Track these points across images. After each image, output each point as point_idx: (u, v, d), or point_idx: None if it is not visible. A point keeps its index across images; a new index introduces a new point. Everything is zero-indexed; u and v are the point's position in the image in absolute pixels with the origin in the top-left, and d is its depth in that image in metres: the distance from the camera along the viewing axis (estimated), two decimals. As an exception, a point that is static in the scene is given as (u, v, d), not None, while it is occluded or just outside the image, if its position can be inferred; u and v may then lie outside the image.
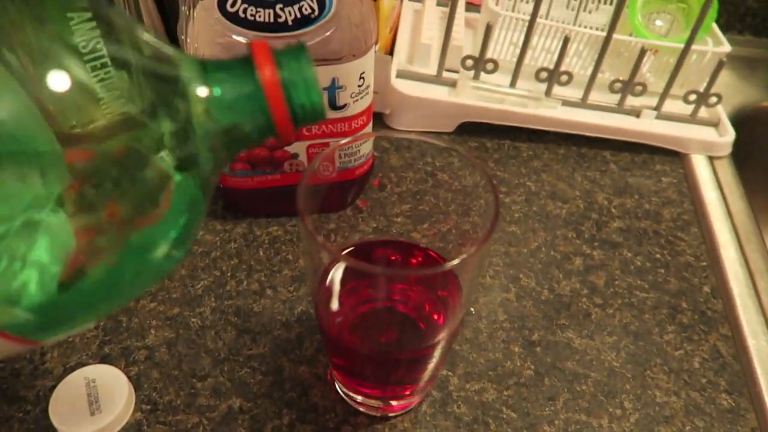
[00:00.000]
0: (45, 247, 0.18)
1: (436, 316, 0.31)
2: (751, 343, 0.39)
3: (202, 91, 0.20)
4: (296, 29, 0.33)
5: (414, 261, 0.32)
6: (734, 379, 0.37)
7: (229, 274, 0.40)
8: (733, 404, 0.36)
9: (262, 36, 0.33)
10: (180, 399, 0.34)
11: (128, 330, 0.37)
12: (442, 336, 0.28)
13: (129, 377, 0.34)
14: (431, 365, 0.30)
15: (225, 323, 0.38)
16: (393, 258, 0.31)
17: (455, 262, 0.23)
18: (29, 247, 0.17)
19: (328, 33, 0.34)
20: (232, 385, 0.35)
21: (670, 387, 0.37)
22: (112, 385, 0.33)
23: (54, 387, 0.33)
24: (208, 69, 0.21)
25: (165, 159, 0.19)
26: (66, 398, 0.32)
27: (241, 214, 0.44)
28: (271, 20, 0.33)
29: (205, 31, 0.34)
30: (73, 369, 0.34)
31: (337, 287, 0.29)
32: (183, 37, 0.34)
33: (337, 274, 0.28)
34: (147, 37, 0.20)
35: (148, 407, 0.34)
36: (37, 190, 0.17)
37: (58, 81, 0.17)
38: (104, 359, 0.36)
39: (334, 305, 0.30)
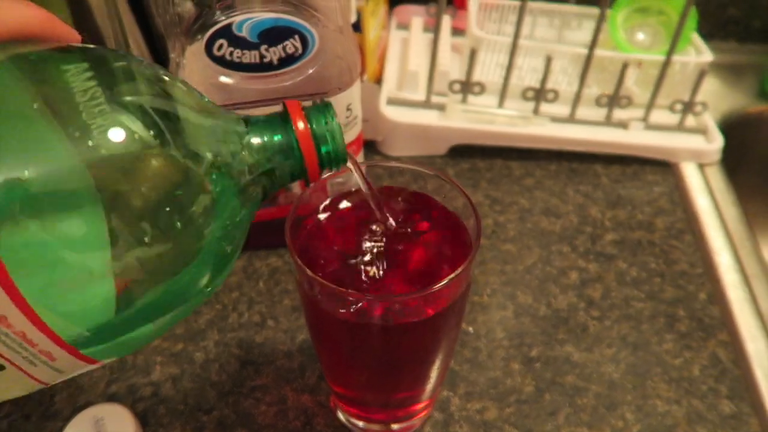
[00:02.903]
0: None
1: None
2: (750, 347, 0.39)
3: (249, 140, 0.23)
4: (282, 68, 0.35)
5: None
6: (735, 384, 0.37)
7: (230, 307, 0.41)
8: (735, 410, 0.36)
9: (249, 75, 0.35)
10: (186, 433, 0.35)
11: (134, 367, 0.38)
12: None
13: (136, 414, 0.35)
14: (433, 369, 0.30)
15: (228, 356, 0.38)
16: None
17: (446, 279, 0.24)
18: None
19: (312, 69, 0.35)
20: (237, 417, 0.36)
21: (671, 396, 0.37)
22: (120, 422, 0.34)
23: (63, 428, 0.34)
24: (250, 122, 0.24)
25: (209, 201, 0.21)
26: (75, 438, 0.33)
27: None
28: (257, 61, 0.34)
29: (197, 74, 0.35)
30: (81, 409, 0.35)
31: (329, 310, 0.29)
32: (174, 81, 0.36)
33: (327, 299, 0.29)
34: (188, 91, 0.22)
35: (156, 443, 0.34)
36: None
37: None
38: (111, 398, 0.36)
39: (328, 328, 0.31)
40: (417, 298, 0.26)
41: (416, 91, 0.54)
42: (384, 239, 0.28)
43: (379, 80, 0.55)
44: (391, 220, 0.29)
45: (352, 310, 0.26)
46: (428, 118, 0.52)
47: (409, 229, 0.29)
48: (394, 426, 0.34)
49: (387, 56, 0.57)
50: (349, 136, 0.40)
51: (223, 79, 0.35)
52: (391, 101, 0.53)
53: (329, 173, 0.27)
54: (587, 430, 0.35)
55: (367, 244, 0.28)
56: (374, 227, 0.29)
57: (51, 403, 0.36)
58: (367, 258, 0.28)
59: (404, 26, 0.62)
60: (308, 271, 0.25)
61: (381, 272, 0.27)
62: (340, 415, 0.35)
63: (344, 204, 0.31)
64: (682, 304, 0.42)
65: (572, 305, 0.42)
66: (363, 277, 0.27)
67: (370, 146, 0.54)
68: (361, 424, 0.34)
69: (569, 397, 0.37)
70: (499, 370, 0.38)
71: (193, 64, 0.34)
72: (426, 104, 0.53)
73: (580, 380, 0.38)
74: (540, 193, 0.50)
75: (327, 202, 0.31)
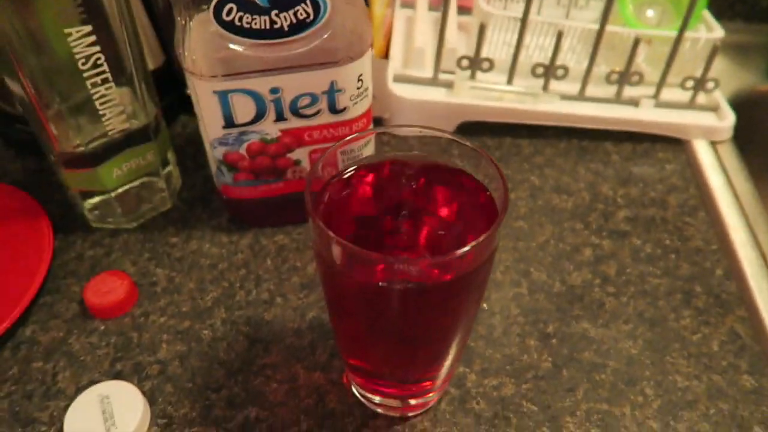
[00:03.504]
0: None
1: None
2: (769, 322, 0.38)
3: None
4: (292, 34, 0.34)
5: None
6: (755, 360, 0.37)
7: (237, 284, 0.40)
8: (756, 385, 0.35)
9: (258, 43, 0.34)
10: (196, 411, 0.34)
11: (139, 345, 0.37)
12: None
13: (143, 392, 0.34)
14: (452, 344, 0.29)
15: (236, 334, 0.37)
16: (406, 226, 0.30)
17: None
18: None
19: (324, 36, 0.34)
20: (247, 395, 0.34)
21: (690, 371, 0.36)
22: (127, 401, 0.33)
23: (67, 406, 0.33)
24: None
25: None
26: (81, 417, 0.32)
27: (246, 226, 0.44)
28: (267, 27, 0.33)
29: (202, 46, 0.34)
30: (85, 387, 0.34)
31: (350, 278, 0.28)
32: (180, 50, 0.34)
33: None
34: None
35: (164, 421, 0.33)
36: None
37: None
38: (117, 376, 0.35)
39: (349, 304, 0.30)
40: (441, 262, 0.25)
41: (423, 69, 0.53)
42: (406, 206, 0.27)
43: (385, 57, 0.53)
44: (413, 186, 0.28)
45: (376, 275, 0.25)
46: (436, 95, 0.51)
47: (431, 196, 0.28)
48: (412, 401, 0.33)
49: (392, 34, 0.56)
50: (360, 108, 0.38)
51: (232, 46, 0.33)
52: (398, 78, 0.52)
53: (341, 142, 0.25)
54: (607, 406, 0.34)
55: (389, 212, 0.27)
56: (396, 194, 0.28)
57: (53, 381, 0.35)
58: (390, 223, 0.27)
59: (409, 5, 0.61)
60: (333, 235, 0.24)
61: (404, 237, 0.26)
62: (355, 391, 0.34)
63: (358, 174, 0.30)
64: (699, 281, 0.41)
65: (587, 282, 0.41)
66: (386, 243, 0.26)
67: (376, 123, 0.53)
68: (377, 399, 0.33)
69: (587, 373, 0.36)
70: (515, 346, 0.37)
71: (200, 30, 0.33)
72: (433, 81, 0.51)
73: (598, 356, 0.37)
74: (550, 171, 0.49)
75: (340, 172, 0.30)
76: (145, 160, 0.41)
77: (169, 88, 0.49)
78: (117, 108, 0.37)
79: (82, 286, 0.39)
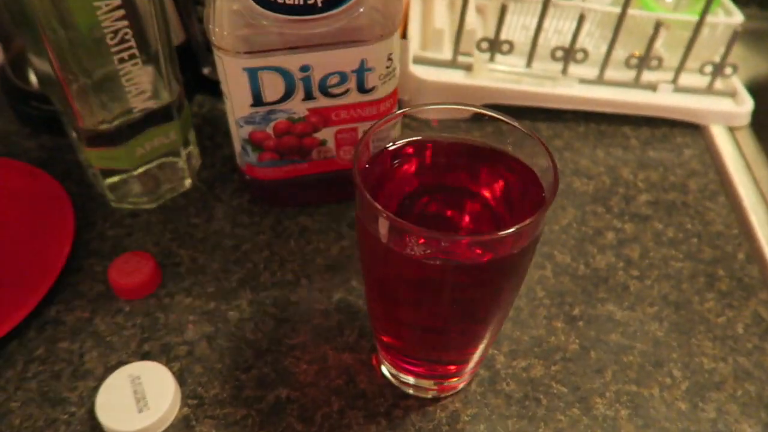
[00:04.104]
0: None
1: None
2: (792, 306, 0.39)
3: None
4: (326, 11, 0.33)
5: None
6: (779, 342, 0.37)
7: (262, 265, 0.40)
8: (781, 367, 0.36)
9: (291, 19, 0.33)
10: (226, 392, 0.33)
11: (166, 326, 0.36)
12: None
13: (172, 373, 0.33)
14: (488, 327, 0.29)
15: (263, 314, 0.37)
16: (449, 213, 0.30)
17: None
18: None
19: (357, 13, 0.34)
20: (277, 375, 0.34)
21: (716, 353, 0.36)
22: (158, 381, 0.32)
23: (97, 387, 0.32)
24: None
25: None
26: (112, 397, 0.32)
27: (268, 207, 0.43)
28: (301, 2, 0.32)
29: (232, 21, 0.33)
30: (114, 368, 0.33)
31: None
32: (211, 26, 0.34)
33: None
34: None
35: (195, 402, 0.33)
36: None
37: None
38: (145, 357, 0.35)
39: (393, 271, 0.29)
40: (482, 241, 0.25)
41: (441, 51, 0.52)
42: (451, 187, 0.27)
43: (403, 38, 0.53)
44: (458, 166, 0.28)
45: (421, 251, 0.24)
46: (455, 77, 0.51)
47: (477, 177, 0.28)
48: (444, 383, 0.33)
49: (409, 15, 0.55)
50: (388, 87, 0.38)
51: (264, 22, 0.33)
52: (417, 60, 0.51)
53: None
54: (636, 387, 0.35)
55: (433, 191, 0.27)
56: (440, 174, 0.28)
57: (81, 362, 0.35)
58: (434, 203, 0.27)
59: (424, -14, 0.60)
60: (380, 208, 0.23)
61: (448, 217, 0.26)
62: (386, 372, 0.34)
63: (404, 152, 0.29)
64: (721, 264, 0.41)
65: (611, 265, 0.41)
66: (429, 221, 0.26)
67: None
68: (409, 380, 0.33)
69: (615, 355, 0.36)
70: (542, 328, 0.37)
71: (230, 4, 0.32)
72: (453, 63, 0.51)
73: (625, 338, 0.37)
74: (570, 155, 0.49)
75: (385, 149, 0.29)
76: (168, 139, 0.40)
77: (187, 67, 0.48)
78: (142, 85, 0.37)
79: (105, 266, 0.38)
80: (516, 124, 0.28)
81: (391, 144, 0.29)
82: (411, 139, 0.30)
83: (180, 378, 0.34)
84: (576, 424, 0.33)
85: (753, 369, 0.36)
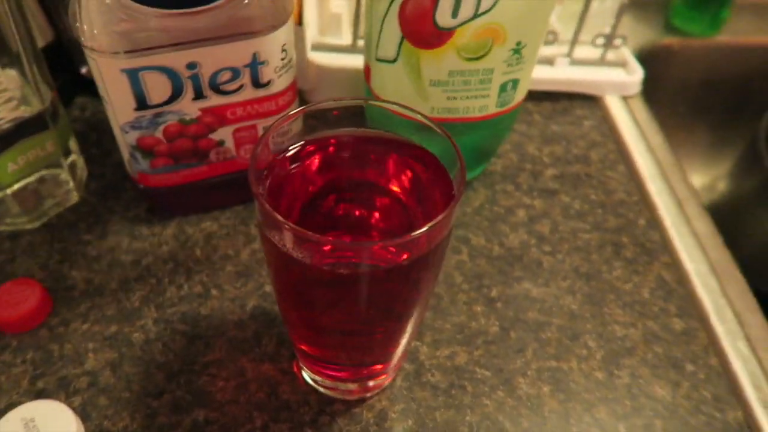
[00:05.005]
0: None
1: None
2: (690, 267, 0.41)
3: None
4: (209, 2, 0.30)
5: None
6: (682, 303, 0.39)
7: (166, 280, 0.37)
8: (685, 326, 0.38)
9: (166, 13, 0.30)
10: (137, 422, 0.31)
11: (62, 358, 0.33)
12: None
13: (73, 409, 0.30)
14: (409, 322, 0.28)
15: (172, 333, 0.35)
16: (357, 213, 0.29)
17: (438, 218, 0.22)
18: None
19: (243, 3, 0.31)
20: (192, 397, 0.32)
21: (627, 320, 0.38)
22: (56, 421, 0.29)
23: (-15, 437, 0.29)
24: None
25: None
26: (3, 446, 0.28)
27: (168, 215, 0.41)
28: (179, -6, 0.30)
29: (103, 18, 0.30)
30: (4, 412, 0.30)
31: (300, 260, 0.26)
32: (78, 24, 0.30)
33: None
34: None
35: (102, 438, 0.30)
36: None
37: None
38: (40, 395, 0.32)
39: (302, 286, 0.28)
40: (397, 244, 0.24)
41: (340, 36, 0.51)
42: (356, 183, 0.26)
43: (299, 24, 0.51)
44: (363, 161, 0.27)
45: (326, 258, 0.23)
46: (357, 62, 0.49)
47: (383, 172, 0.27)
48: (369, 383, 0.32)
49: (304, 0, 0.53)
50: (285, 80, 0.36)
51: (140, 18, 0.30)
52: (316, 47, 0.49)
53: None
54: (555, 362, 0.35)
55: (339, 190, 0.26)
56: (344, 171, 0.26)
57: (-36, 410, 0.31)
58: (341, 203, 0.25)
59: (317, -33, 0.58)
60: (281, 219, 0.22)
61: (356, 216, 0.25)
62: (308, 378, 0.33)
63: (305, 151, 0.28)
64: (625, 232, 0.43)
65: (524, 242, 0.42)
66: (337, 223, 0.25)
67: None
68: (332, 384, 0.32)
69: (534, 333, 0.37)
70: (463, 314, 0.37)
71: (95, 4, 0.29)
72: (353, 48, 0.49)
73: (542, 315, 0.38)
74: (477, 135, 0.49)
75: (284, 150, 0.28)
76: (44, 150, 0.36)
77: (62, 67, 0.44)
78: (5, 94, 0.33)
79: (-16, 298, 0.34)
80: (418, 116, 0.27)
81: (290, 143, 0.28)
82: (312, 137, 0.28)
83: (83, 413, 0.31)
84: (502, 406, 0.33)
85: (660, 331, 0.37)
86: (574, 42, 0.52)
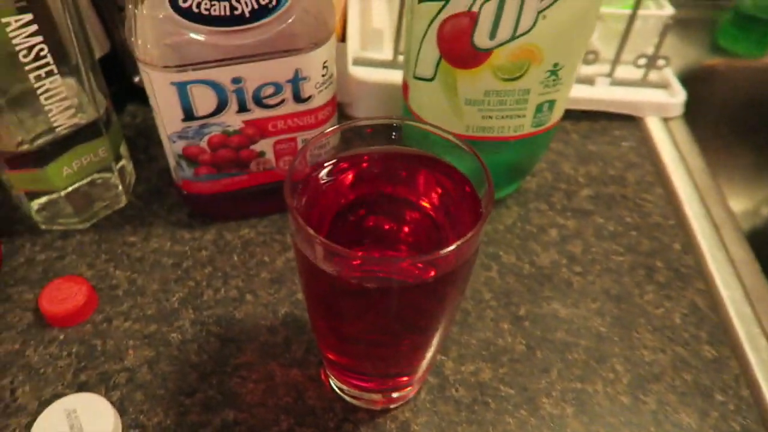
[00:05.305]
0: None
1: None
2: (725, 294, 0.40)
3: None
4: (254, 21, 0.32)
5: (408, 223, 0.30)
6: (714, 330, 0.38)
7: (204, 283, 0.39)
8: (716, 354, 0.37)
9: (217, 30, 0.32)
10: (170, 418, 0.32)
11: (104, 354, 0.35)
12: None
13: (112, 403, 0.32)
14: (435, 337, 0.29)
15: (207, 335, 0.36)
16: (387, 227, 0.29)
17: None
18: None
19: (287, 22, 0.33)
20: (223, 397, 0.34)
21: (656, 345, 0.37)
22: (96, 413, 0.31)
23: (30, 423, 0.31)
24: None
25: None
26: (47, 434, 0.30)
27: (209, 220, 0.42)
28: (228, 13, 0.31)
29: (156, 35, 0.32)
30: (49, 402, 0.32)
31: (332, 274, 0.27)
32: (133, 39, 0.32)
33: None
34: None
35: (138, 431, 0.32)
36: None
37: None
38: (82, 387, 0.33)
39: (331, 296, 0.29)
40: (425, 261, 0.25)
41: (381, 51, 0.52)
42: (388, 200, 0.27)
43: (342, 41, 0.52)
44: (395, 178, 0.27)
45: (355, 272, 0.24)
46: (397, 77, 0.50)
47: (415, 189, 0.28)
48: (393, 394, 0.33)
49: (348, 15, 0.54)
50: (326, 95, 0.37)
51: (191, 35, 0.31)
52: (357, 61, 0.50)
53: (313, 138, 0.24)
54: (580, 384, 0.35)
55: (370, 205, 0.27)
56: (377, 187, 0.27)
57: (12, 398, 0.33)
58: (372, 218, 0.26)
59: (362, -17, 0.59)
60: (312, 233, 0.23)
61: (386, 232, 0.26)
62: (334, 386, 0.34)
63: (339, 167, 0.29)
64: (659, 255, 0.42)
65: (555, 262, 0.42)
66: (367, 238, 0.26)
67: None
68: (357, 393, 0.33)
69: (560, 353, 0.37)
70: (489, 330, 0.37)
71: (153, 17, 0.31)
72: (393, 63, 0.51)
73: (569, 336, 0.38)
74: (512, 152, 0.50)
75: (320, 164, 0.29)
76: (97, 156, 0.38)
77: (116, 76, 0.46)
78: (64, 102, 0.35)
79: (36, 293, 0.37)
80: (449, 136, 0.28)
81: (325, 158, 0.29)
82: (346, 153, 0.29)
83: (120, 407, 0.33)
84: (524, 425, 0.34)
85: (689, 358, 0.37)
86: (615, 62, 0.52)
